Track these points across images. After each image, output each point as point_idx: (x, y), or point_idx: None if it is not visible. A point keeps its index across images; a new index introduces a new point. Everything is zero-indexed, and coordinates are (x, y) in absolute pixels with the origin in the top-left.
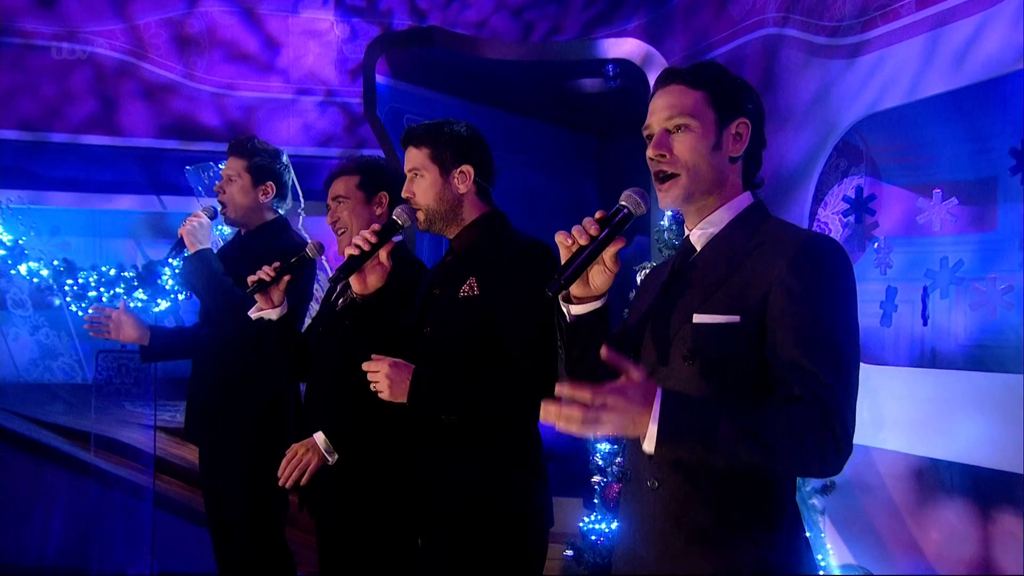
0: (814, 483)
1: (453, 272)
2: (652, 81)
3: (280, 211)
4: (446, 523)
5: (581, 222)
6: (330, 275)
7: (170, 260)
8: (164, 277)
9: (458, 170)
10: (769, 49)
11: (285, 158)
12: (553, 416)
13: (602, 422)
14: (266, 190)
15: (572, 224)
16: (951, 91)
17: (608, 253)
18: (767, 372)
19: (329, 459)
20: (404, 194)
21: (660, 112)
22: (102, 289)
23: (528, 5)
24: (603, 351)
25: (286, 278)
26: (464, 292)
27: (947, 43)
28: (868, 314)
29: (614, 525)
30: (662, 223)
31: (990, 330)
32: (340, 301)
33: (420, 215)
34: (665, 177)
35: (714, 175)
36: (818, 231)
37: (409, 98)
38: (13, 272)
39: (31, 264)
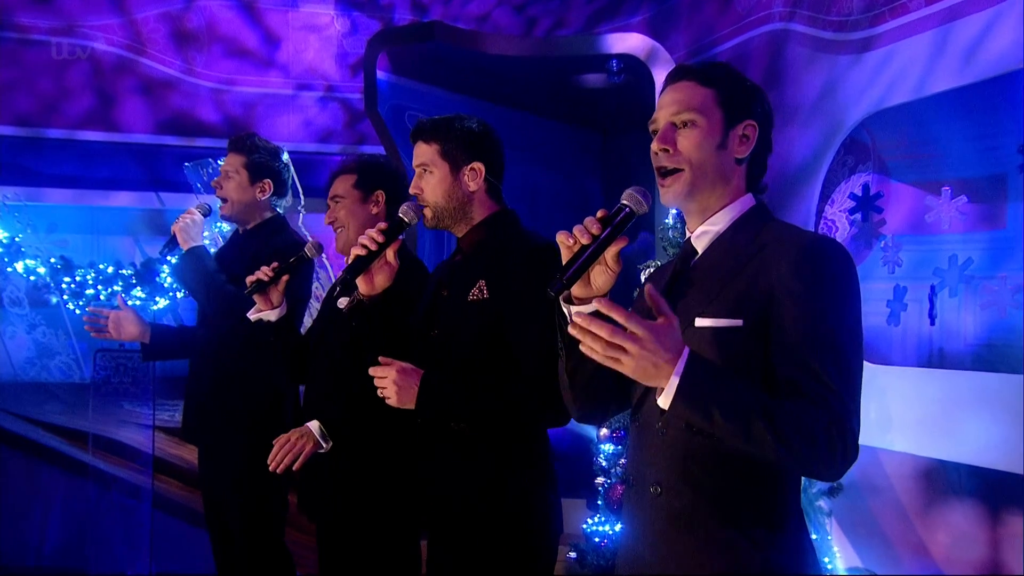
0: (821, 485)
1: (461, 273)
2: (656, 76)
3: (279, 209)
4: (452, 531)
5: (583, 221)
6: (330, 273)
7: (162, 256)
8: (162, 275)
9: (469, 167)
10: (775, 44)
11: (285, 156)
12: (580, 331)
13: (626, 354)
14: (263, 188)
15: (575, 221)
16: (960, 87)
17: (610, 253)
18: (770, 376)
19: (324, 446)
20: (412, 190)
21: (668, 107)
22: (100, 287)
23: (531, 0)
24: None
25: (285, 278)
26: (474, 295)
27: (956, 39)
28: (875, 313)
29: (618, 527)
30: (667, 221)
31: (999, 330)
32: (340, 300)
33: (427, 212)
34: (667, 172)
35: (717, 174)
36: (821, 233)
37: (410, 94)
38: (10, 270)
39: (28, 262)
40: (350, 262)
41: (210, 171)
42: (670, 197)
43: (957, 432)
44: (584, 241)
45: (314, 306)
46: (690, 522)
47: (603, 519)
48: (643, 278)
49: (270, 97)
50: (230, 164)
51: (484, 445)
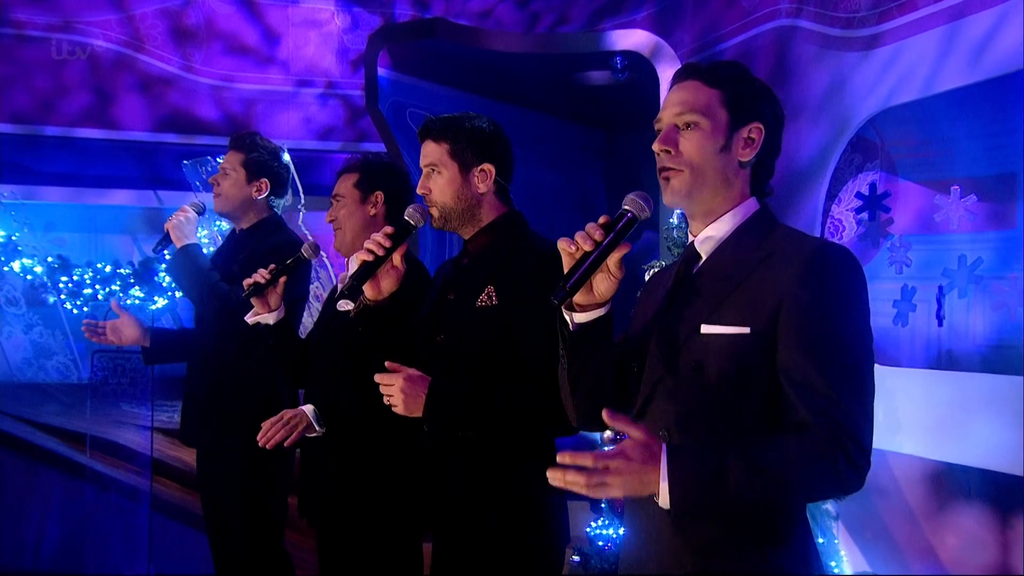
0: None
1: (469, 277)
2: (660, 73)
3: (277, 209)
4: (458, 536)
5: (585, 224)
6: (330, 273)
7: (155, 254)
8: (161, 274)
9: (479, 168)
10: (781, 41)
11: (286, 157)
12: (559, 482)
13: (609, 486)
14: (260, 187)
15: (578, 219)
16: (969, 85)
17: (613, 259)
18: (777, 385)
19: (316, 429)
20: (420, 190)
21: (672, 107)
22: (98, 286)
23: None
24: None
25: (283, 280)
26: (482, 301)
27: (965, 36)
28: (882, 314)
29: (621, 531)
30: (671, 220)
31: (1009, 331)
32: (341, 303)
33: (435, 212)
34: (667, 172)
35: (719, 177)
36: (828, 240)
37: (412, 91)
38: (6, 269)
39: (24, 261)
40: (357, 268)
41: (209, 169)
42: (669, 195)
43: (966, 435)
44: (587, 248)
45: (314, 306)
46: (694, 531)
47: (607, 523)
48: (647, 278)
49: (270, 94)
50: (229, 161)
51: (490, 450)
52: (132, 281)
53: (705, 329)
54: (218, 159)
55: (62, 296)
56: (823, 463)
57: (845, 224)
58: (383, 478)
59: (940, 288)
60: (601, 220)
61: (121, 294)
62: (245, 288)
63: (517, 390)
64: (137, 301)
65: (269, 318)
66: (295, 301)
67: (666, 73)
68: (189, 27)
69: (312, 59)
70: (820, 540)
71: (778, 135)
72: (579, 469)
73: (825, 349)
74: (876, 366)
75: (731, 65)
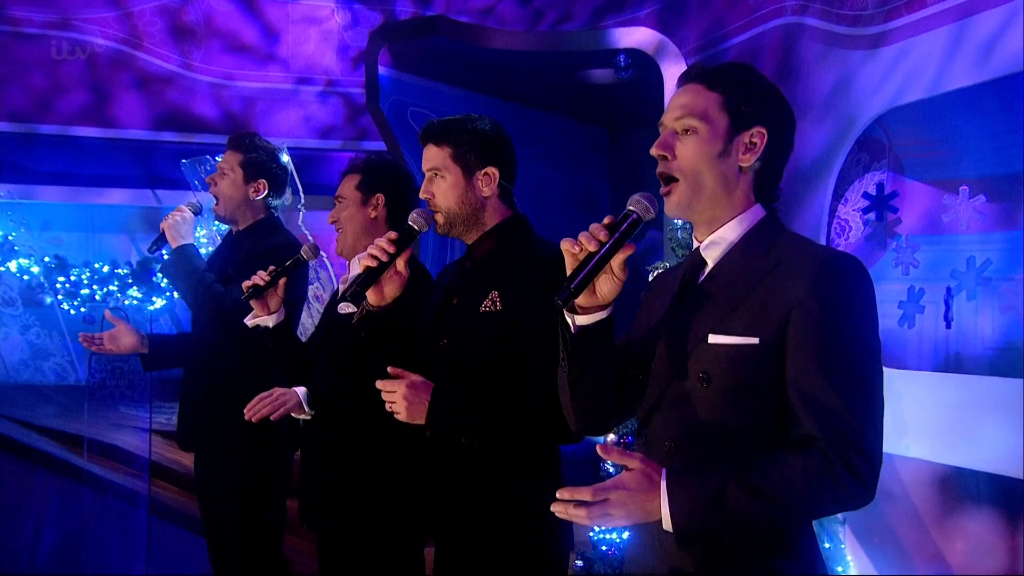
0: None
1: (472, 282)
2: (665, 71)
3: (275, 209)
4: (461, 542)
5: (589, 227)
6: (331, 273)
7: (150, 254)
8: (159, 274)
9: (483, 172)
10: (787, 39)
11: (285, 157)
12: (562, 515)
13: (612, 516)
14: (257, 187)
15: (582, 219)
16: (978, 84)
17: (616, 260)
18: (784, 397)
19: (305, 411)
20: (422, 195)
21: (672, 111)
22: (95, 287)
23: None
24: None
25: (283, 282)
26: (486, 306)
27: (973, 34)
28: (888, 315)
29: (625, 535)
30: (676, 221)
31: (1018, 333)
32: (341, 306)
33: (439, 218)
34: (666, 180)
35: (718, 183)
36: (837, 249)
37: (413, 90)
38: (2, 269)
39: (21, 261)
40: (361, 273)
41: (208, 168)
42: (669, 208)
43: (974, 438)
44: (590, 249)
45: (313, 306)
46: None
47: (610, 528)
48: (651, 279)
49: (269, 92)
50: (226, 162)
51: (493, 455)
52: (130, 281)
53: (713, 339)
54: (217, 158)
55: (59, 296)
56: (827, 482)
57: (851, 224)
58: (384, 482)
59: (948, 290)
60: (605, 221)
61: (119, 294)
62: (244, 290)
63: (521, 397)
64: (135, 302)
65: (269, 320)
66: (293, 303)
67: (670, 71)
68: (188, 24)
69: (312, 56)
70: (827, 545)
71: (784, 139)
72: (579, 504)
73: (835, 361)
74: (883, 368)
75: (736, 67)
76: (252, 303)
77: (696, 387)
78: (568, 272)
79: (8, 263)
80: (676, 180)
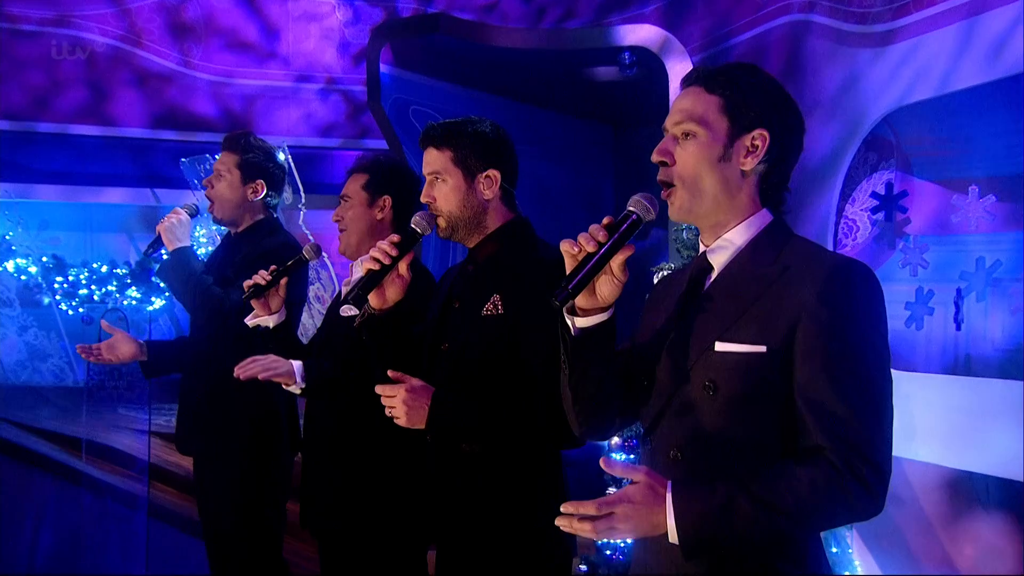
0: None
1: (474, 285)
2: (669, 68)
3: (274, 210)
4: (463, 547)
5: (590, 224)
6: (331, 273)
7: (146, 256)
8: (156, 277)
9: (484, 175)
10: (794, 36)
11: (282, 157)
12: (568, 529)
13: (618, 530)
14: (255, 189)
15: (585, 218)
16: (987, 83)
17: (616, 261)
18: (791, 405)
19: (296, 382)
20: (424, 199)
21: (673, 115)
22: (93, 287)
23: None
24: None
25: (284, 282)
26: (488, 310)
27: (983, 32)
28: (896, 317)
29: (628, 539)
30: None
31: None
32: (343, 308)
33: (441, 222)
34: (666, 186)
35: (719, 188)
36: (846, 255)
37: (415, 88)
38: (0, 269)
39: (19, 260)
40: (363, 276)
41: (207, 167)
42: (672, 214)
43: (984, 442)
44: (590, 249)
45: (314, 307)
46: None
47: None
48: (655, 281)
49: (269, 89)
50: (223, 163)
51: (495, 460)
52: (129, 281)
53: (720, 347)
54: (216, 157)
55: (57, 297)
56: (835, 493)
57: (859, 224)
58: (386, 486)
59: (958, 291)
60: (605, 221)
61: (117, 295)
62: (245, 290)
63: (522, 401)
64: (134, 302)
65: (269, 321)
66: (293, 303)
67: (675, 69)
68: (187, 21)
69: (313, 54)
70: (834, 549)
71: (789, 141)
72: (584, 518)
73: (844, 369)
74: (892, 371)
75: (739, 68)
76: (253, 303)
77: (702, 395)
78: (567, 272)
79: (6, 263)
80: (673, 187)
